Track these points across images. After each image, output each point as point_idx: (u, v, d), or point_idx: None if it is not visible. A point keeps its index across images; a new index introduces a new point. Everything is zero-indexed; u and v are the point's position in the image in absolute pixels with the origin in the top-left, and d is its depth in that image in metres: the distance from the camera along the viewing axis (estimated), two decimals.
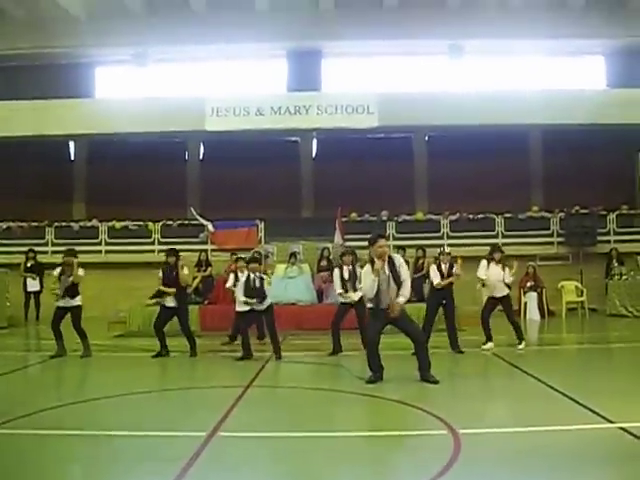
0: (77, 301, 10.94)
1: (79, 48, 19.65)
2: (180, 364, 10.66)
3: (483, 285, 11.74)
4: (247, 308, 10.66)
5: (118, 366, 10.73)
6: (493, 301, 11.29)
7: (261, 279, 10.62)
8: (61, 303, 10.85)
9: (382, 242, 8.28)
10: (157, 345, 11.02)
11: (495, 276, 11.17)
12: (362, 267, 8.96)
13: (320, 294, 15.72)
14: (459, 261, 11.17)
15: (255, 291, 10.49)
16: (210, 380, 9.15)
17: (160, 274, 11.03)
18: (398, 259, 8.32)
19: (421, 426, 6.16)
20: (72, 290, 10.83)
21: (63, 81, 20.14)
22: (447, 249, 11.78)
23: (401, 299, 8.10)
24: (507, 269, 11.19)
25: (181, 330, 11.13)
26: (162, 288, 10.92)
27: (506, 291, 11.25)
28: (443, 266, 10.88)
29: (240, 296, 10.62)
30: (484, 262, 11.32)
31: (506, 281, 11.16)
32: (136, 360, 11.05)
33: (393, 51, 20.22)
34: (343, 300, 10.98)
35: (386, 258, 8.18)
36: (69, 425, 6.39)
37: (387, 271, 8.13)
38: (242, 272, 11.40)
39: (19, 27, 18.91)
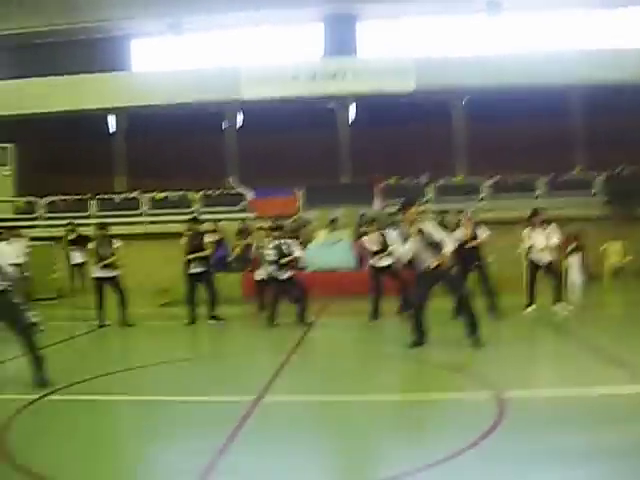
0: (117, 270, 11.20)
1: (113, 21, 19.74)
2: (223, 331, 10.84)
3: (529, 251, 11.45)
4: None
5: (164, 334, 10.99)
6: (535, 267, 11.15)
7: (289, 246, 10.74)
8: (100, 274, 11.10)
9: (412, 210, 8.26)
10: (198, 313, 11.25)
11: (538, 242, 11.01)
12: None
13: (360, 260, 15.74)
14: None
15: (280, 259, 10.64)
16: (254, 346, 9.30)
17: (184, 241, 11.22)
18: (427, 226, 8.29)
19: (465, 389, 6.22)
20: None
21: (100, 55, 20.31)
22: (468, 212, 11.50)
23: (446, 250, 8.08)
24: (552, 231, 11.00)
25: (208, 296, 11.31)
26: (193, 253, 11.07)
27: (549, 258, 11.05)
28: (465, 229, 10.73)
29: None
30: (525, 231, 11.17)
31: (550, 243, 10.97)
32: (180, 328, 11.27)
33: (429, 11, 19.85)
34: (374, 264, 10.99)
35: (416, 224, 8.16)
36: (119, 391, 6.62)
37: (419, 241, 8.10)
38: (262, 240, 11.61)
39: (53, 3, 19.02)
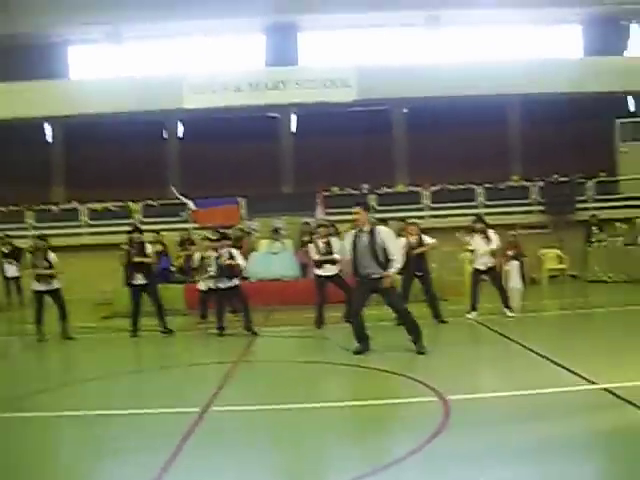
0: (57, 283, 10.96)
1: (50, 28, 19.31)
2: (167, 342, 10.73)
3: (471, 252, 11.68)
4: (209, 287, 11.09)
5: (106, 346, 10.78)
6: (478, 273, 11.39)
7: (230, 256, 10.74)
8: (39, 287, 10.85)
9: (355, 209, 8.40)
10: (144, 325, 11.10)
11: (479, 247, 11.26)
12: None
13: (304, 269, 15.77)
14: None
15: (222, 270, 10.68)
16: (198, 357, 9.23)
17: (123, 252, 11.13)
18: (382, 231, 8.36)
19: (410, 394, 6.28)
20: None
21: (36, 62, 19.83)
22: (411, 220, 11.70)
23: (391, 270, 8.18)
24: (492, 237, 11.27)
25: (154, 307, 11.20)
26: (138, 259, 10.93)
27: (490, 262, 11.31)
28: (411, 238, 10.93)
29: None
30: (467, 238, 11.45)
31: (489, 249, 11.22)
32: (123, 340, 11.07)
33: (370, 23, 20.11)
34: (319, 272, 11.07)
35: (362, 225, 8.29)
36: (60, 406, 6.44)
37: (365, 239, 8.22)
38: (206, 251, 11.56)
39: None
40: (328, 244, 10.97)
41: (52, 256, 10.93)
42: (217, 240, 11.27)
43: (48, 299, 10.94)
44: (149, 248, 11.35)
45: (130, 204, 19.04)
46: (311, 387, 6.96)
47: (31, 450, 5.18)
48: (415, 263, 10.84)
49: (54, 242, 12.06)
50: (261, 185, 19.52)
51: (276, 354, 9.46)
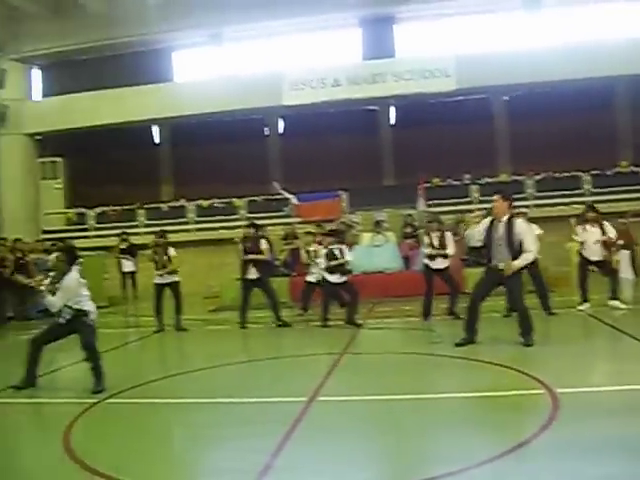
0: (176, 276, 11.46)
1: (156, 35, 20.10)
2: (272, 334, 10.98)
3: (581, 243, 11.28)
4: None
5: (215, 338, 11.19)
6: (587, 263, 11.02)
7: (340, 251, 10.91)
8: (160, 280, 11.37)
9: (494, 197, 8.27)
10: (250, 318, 11.44)
11: (590, 237, 10.90)
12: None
13: (406, 261, 15.75)
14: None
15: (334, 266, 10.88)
16: (304, 348, 9.38)
17: (241, 247, 11.41)
18: (519, 224, 8.18)
19: (517, 386, 6.19)
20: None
21: (143, 68, 20.71)
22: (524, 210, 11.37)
23: (517, 262, 8.01)
24: (606, 227, 10.88)
25: (267, 300, 11.49)
26: (250, 257, 11.24)
27: (601, 253, 10.92)
28: None
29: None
30: (578, 228, 11.04)
31: (605, 239, 10.83)
32: (231, 332, 11.45)
33: (466, 10, 19.71)
34: (430, 265, 10.98)
35: (500, 215, 8.14)
36: (175, 394, 6.79)
37: (502, 230, 8.08)
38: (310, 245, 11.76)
39: (98, 20, 19.48)
40: (442, 237, 10.88)
41: (171, 251, 11.45)
42: (327, 234, 11.48)
43: (167, 291, 11.46)
44: (264, 244, 11.62)
45: (234, 200, 19.57)
46: (416, 379, 6.97)
47: (149, 435, 5.51)
48: None
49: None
50: (362, 178, 19.61)
51: (380, 346, 9.51)
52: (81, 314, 7.07)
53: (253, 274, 11.36)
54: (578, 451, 4.38)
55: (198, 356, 9.74)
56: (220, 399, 6.41)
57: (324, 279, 11.10)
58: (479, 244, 8.41)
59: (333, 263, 10.86)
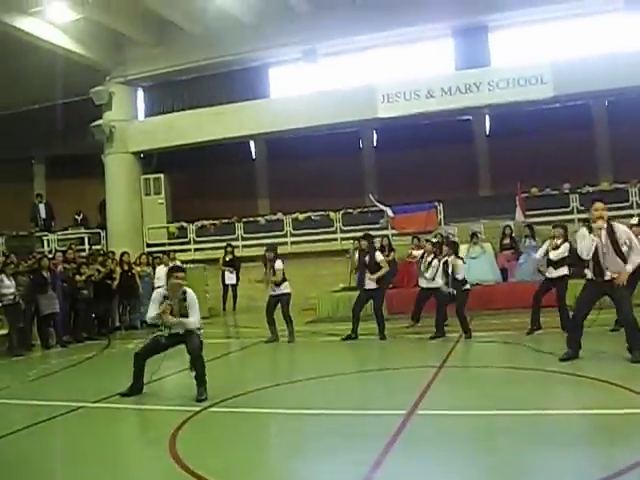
0: (285, 289, 11.75)
1: (252, 53, 20.60)
2: (371, 346, 11.02)
3: None
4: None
5: (314, 350, 11.36)
6: None
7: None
8: (271, 292, 11.76)
9: (597, 205, 7.96)
10: (346, 329, 11.50)
11: None
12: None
13: (504, 273, 15.46)
14: None
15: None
16: (403, 361, 9.36)
17: (356, 257, 11.64)
18: (618, 228, 7.91)
19: (623, 404, 5.96)
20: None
21: (240, 85, 21.26)
22: (636, 219, 10.86)
23: (629, 267, 7.75)
24: None
25: (374, 312, 11.55)
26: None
27: None
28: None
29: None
30: None
31: None
32: (329, 344, 11.58)
33: (561, 15, 19.06)
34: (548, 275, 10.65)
35: (604, 223, 7.86)
36: (276, 404, 6.94)
37: (604, 239, 7.82)
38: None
39: (197, 42, 20.16)
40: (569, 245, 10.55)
41: (277, 264, 11.74)
42: (437, 244, 11.67)
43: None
44: (380, 256, 11.71)
45: (330, 213, 19.77)
46: (516, 393, 6.84)
47: (251, 443, 5.67)
48: None
49: (261, 252, 12.86)
50: (457, 189, 19.39)
51: (480, 359, 9.38)
52: (191, 330, 7.36)
53: (370, 284, 11.46)
54: None
55: (299, 367, 9.93)
56: (320, 410, 6.50)
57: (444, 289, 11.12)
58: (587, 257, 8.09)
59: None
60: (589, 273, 8.04)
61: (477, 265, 15.31)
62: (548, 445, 5.07)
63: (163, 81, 21.73)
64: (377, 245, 16.19)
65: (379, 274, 11.39)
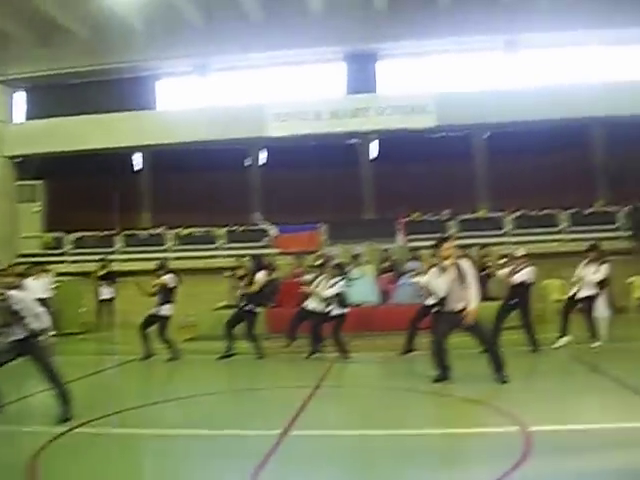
0: (165, 310, 11.44)
1: (141, 62, 20.20)
2: (249, 365, 10.90)
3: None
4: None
5: (190, 368, 11.08)
6: (575, 301, 11.12)
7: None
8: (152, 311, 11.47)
9: (446, 245, 8.45)
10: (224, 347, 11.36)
11: (586, 275, 11.07)
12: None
13: (384, 295, 15.77)
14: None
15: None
16: (280, 380, 9.33)
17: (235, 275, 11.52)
18: (464, 264, 8.37)
19: (491, 423, 6.21)
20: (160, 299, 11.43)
21: (127, 95, 20.76)
22: (522, 251, 11.38)
23: (473, 305, 8.13)
24: (602, 266, 11.07)
25: (246, 332, 11.47)
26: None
27: (591, 291, 11.11)
28: (506, 268, 10.75)
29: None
30: (581, 265, 11.20)
31: (594, 278, 11.02)
32: (207, 362, 11.36)
33: (448, 49, 20.04)
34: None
35: (453, 259, 8.30)
36: (147, 424, 6.70)
37: (455, 274, 8.24)
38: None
39: (84, 45, 19.56)
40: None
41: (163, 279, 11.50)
42: (321, 266, 11.54)
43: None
44: (259, 276, 11.68)
45: (214, 229, 19.54)
46: (389, 413, 6.94)
47: (116, 467, 5.41)
48: (512, 292, 10.70)
49: (140, 266, 12.54)
50: (342, 211, 19.66)
51: (357, 380, 9.50)
52: (34, 335, 6.81)
53: (248, 304, 11.44)
54: None
55: (174, 386, 9.65)
56: (192, 430, 6.34)
57: (321, 310, 11.12)
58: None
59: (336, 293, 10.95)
60: (439, 306, 8.57)
61: (358, 287, 15.48)
62: (418, 464, 5.19)
63: (46, 84, 20.88)
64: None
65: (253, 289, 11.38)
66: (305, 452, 5.60)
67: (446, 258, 8.31)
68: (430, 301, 10.69)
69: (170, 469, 5.31)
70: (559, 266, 15.31)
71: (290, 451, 5.56)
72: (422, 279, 10.52)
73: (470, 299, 8.14)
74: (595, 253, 11.23)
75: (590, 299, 11.18)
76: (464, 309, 8.12)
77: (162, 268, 11.78)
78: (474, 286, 8.26)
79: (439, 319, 8.57)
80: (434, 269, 8.62)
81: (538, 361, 10.19)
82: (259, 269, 12.21)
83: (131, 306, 15.52)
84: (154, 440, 6.23)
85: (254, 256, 12.16)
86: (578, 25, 18.16)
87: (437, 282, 8.43)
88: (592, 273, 11.09)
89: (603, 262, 11.22)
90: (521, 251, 11.27)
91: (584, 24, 18.11)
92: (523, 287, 10.84)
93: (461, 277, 8.19)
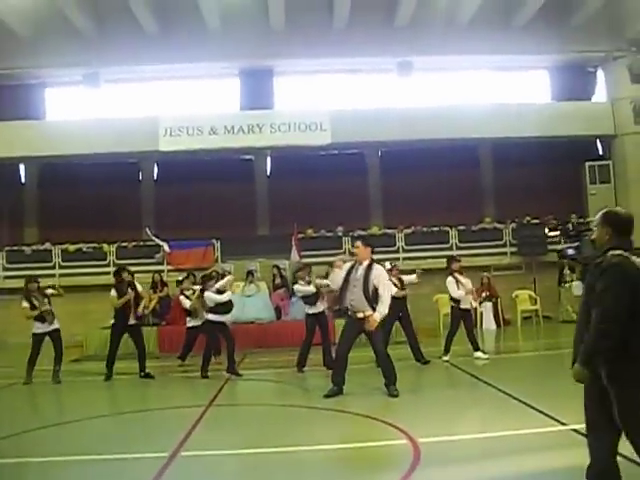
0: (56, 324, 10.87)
1: (28, 69, 19.38)
2: (137, 386, 10.57)
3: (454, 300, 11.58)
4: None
5: (76, 390, 10.61)
6: (461, 313, 11.42)
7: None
8: (41, 329, 10.71)
9: (357, 243, 8.68)
10: (115, 368, 10.97)
11: (466, 287, 11.38)
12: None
13: (278, 311, 15.74)
14: (417, 271, 11.43)
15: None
16: (170, 401, 9.05)
17: (113, 293, 10.96)
18: (378, 270, 8.43)
19: (381, 437, 6.27)
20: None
21: (12, 103, 19.85)
22: (388, 265, 11.55)
23: (377, 315, 8.19)
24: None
25: (138, 348, 11.07)
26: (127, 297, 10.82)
27: (470, 304, 11.50)
28: (394, 280, 10.95)
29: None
30: (450, 279, 11.40)
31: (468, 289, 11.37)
32: (94, 384, 10.91)
33: (343, 69, 20.44)
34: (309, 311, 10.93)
35: (362, 260, 8.42)
36: (30, 452, 6.31)
37: (361, 272, 8.31)
38: (187, 291, 11.66)
39: None
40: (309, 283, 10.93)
41: (49, 290, 10.84)
42: (205, 280, 11.29)
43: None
44: (139, 287, 11.22)
45: (104, 245, 18.92)
46: (282, 431, 6.88)
47: None
48: (398, 305, 10.88)
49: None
50: (236, 227, 19.50)
51: (249, 398, 9.39)
52: None
53: (132, 320, 10.92)
54: None
55: (57, 409, 9.23)
56: (76, 456, 6.03)
57: (208, 320, 10.87)
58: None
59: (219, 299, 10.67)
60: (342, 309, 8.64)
61: (252, 303, 15.43)
62: (313, 478, 5.15)
63: None
64: (150, 281, 15.87)
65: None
66: (195, 473, 5.46)
67: (353, 255, 8.51)
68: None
69: None
70: None
71: (179, 473, 5.40)
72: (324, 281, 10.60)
73: (378, 309, 8.20)
74: (457, 264, 11.60)
75: (470, 312, 11.58)
76: (367, 316, 8.20)
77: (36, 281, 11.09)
78: (385, 297, 8.29)
79: (345, 326, 8.58)
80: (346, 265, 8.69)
81: (427, 374, 10.43)
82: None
83: (11, 326, 14.81)
84: (32, 468, 5.90)
85: (123, 268, 11.60)
86: (470, 50, 18.93)
87: (337, 275, 8.61)
88: (470, 284, 11.47)
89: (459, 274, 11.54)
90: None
91: (476, 49, 18.91)
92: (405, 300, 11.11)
93: (366, 280, 8.25)
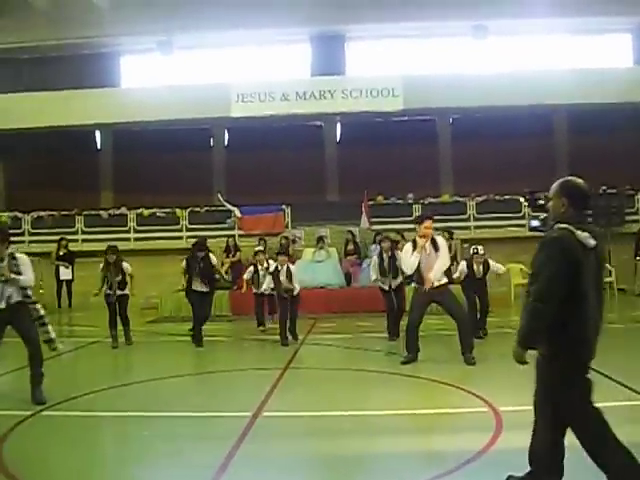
0: (126, 290, 11.10)
1: (103, 38, 19.71)
2: (215, 349, 10.81)
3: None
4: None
5: (156, 351, 10.96)
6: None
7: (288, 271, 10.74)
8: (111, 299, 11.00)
9: (428, 223, 8.56)
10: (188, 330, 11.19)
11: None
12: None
13: (348, 277, 15.82)
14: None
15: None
16: (247, 363, 9.25)
17: (184, 264, 11.10)
18: (440, 241, 8.58)
19: (462, 404, 6.27)
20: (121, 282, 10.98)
21: (89, 71, 20.26)
22: (480, 250, 11.25)
23: (431, 275, 8.25)
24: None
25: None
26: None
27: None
28: (476, 267, 10.76)
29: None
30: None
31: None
32: (171, 345, 11.25)
33: (416, 34, 20.05)
34: (382, 287, 10.79)
35: (429, 239, 8.45)
36: (115, 407, 6.60)
37: (430, 251, 8.39)
38: (261, 264, 11.66)
39: (44, 19, 18.92)
40: (393, 257, 10.72)
41: (126, 268, 11.06)
42: (279, 253, 11.32)
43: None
44: (213, 259, 11.28)
45: (177, 210, 19.31)
46: (359, 395, 6.98)
47: (86, 449, 5.34)
48: (477, 285, 10.68)
49: (102, 246, 12.18)
50: (306, 193, 19.59)
51: (324, 362, 9.48)
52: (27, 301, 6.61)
53: (202, 287, 10.94)
54: (523, 466, 4.43)
55: (138, 368, 9.55)
56: (161, 413, 6.27)
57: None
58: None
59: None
60: (415, 283, 8.68)
61: (322, 269, 15.58)
62: (388, 444, 5.22)
63: (1, 58, 20.22)
64: (223, 246, 16.14)
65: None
66: (277, 434, 5.60)
67: (423, 235, 8.42)
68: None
69: (140, 452, 5.25)
70: (520, 251, 15.49)
71: (262, 432, 5.55)
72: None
73: (436, 269, 8.27)
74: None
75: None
76: (442, 285, 8.31)
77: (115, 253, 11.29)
78: (441, 262, 8.36)
79: (414, 297, 8.67)
80: (407, 247, 8.69)
81: (500, 344, 10.29)
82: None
83: (90, 287, 15.30)
84: (122, 422, 6.16)
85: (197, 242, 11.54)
86: (547, 13, 18.25)
87: (405, 260, 8.64)
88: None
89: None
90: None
91: (553, 12, 18.23)
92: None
93: (436, 253, 8.36)
